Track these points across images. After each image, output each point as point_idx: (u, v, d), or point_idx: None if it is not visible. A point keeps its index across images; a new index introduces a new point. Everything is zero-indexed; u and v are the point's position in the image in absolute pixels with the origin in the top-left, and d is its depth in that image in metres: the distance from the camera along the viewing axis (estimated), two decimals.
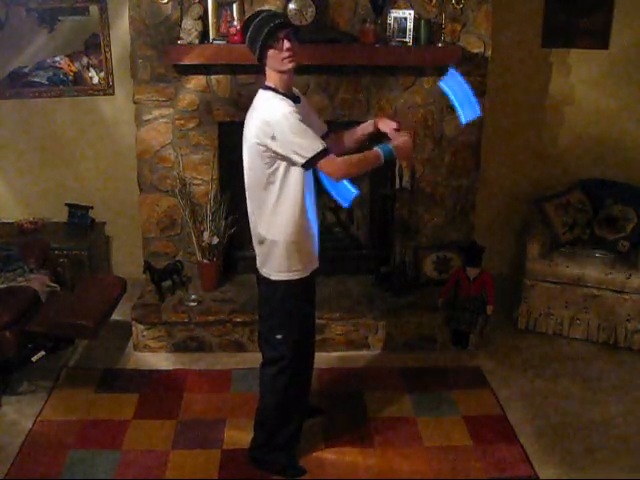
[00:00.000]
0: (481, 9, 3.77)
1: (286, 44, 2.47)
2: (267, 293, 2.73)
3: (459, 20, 3.78)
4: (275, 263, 2.63)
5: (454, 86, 2.70)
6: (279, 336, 2.69)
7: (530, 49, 4.33)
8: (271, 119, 2.44)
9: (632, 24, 4.25)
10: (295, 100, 2.59)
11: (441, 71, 3.80)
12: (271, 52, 2.48)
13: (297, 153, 2.46)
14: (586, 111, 4.44)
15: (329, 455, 2.95)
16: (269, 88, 2.56)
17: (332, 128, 2.88)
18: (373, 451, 2.99)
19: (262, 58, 2.52)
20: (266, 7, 3.63)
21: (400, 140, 2.65)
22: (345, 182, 2.62)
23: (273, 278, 2.65)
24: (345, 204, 2.71)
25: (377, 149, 2.61)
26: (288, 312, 2.68)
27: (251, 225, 2.72)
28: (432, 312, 3.82)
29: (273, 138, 2.44)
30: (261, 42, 2.45)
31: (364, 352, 3.82)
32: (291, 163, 2.50)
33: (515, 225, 4.65)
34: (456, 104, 2.69)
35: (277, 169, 2.52)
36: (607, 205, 4.18)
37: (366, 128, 2.86)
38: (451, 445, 3.04)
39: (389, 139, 2.69)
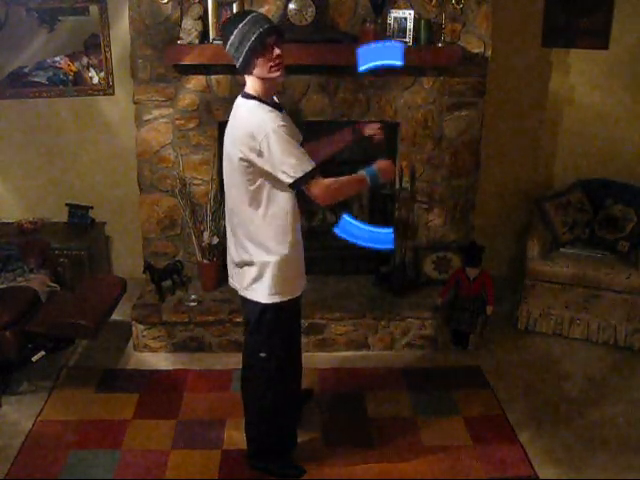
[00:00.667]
0: (481, 9, 3.77)
1: (276, 51, 2.32)
2: (252, 314, 2.60)
3: (459, 20, 3.77)
4: (266, 286, 2.50)
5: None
6: (263, 354, 2.62)
7: (530, 49, 4.33)
8: (258, 134, 2.28)
9: (632, 24, 4.25)
10: (277, 108, 2.46)
11: (441, 72, 3.84)
12: (259, 60, 2.31)
13: (285, 172, 2.32)
14: (586, 111, 4.44)
15: (329, 455, 2.95)
16: (251, 97, 2.39)
17: (307, 137, 2.75)
18: (373, 451, 2.99)
19: (247, 66, 2.33)
20: (266, 7, 3.64)
21: (382, 163, 2.56)
22: (372, 228, 2.55)
23: (263, 302, 2.54)
24: (389, 245, 2.59)
25: (362, 173, 2.51)
26: (274, 334, 2.61)
27: (230, 246, 2.60)
28: (432, 312, 3.82)
29: (260, 154, 2.30)
30: (248, 50, 2.28)
31: (364, 352, 3.82)
32: (276, 180, 2.37)
33: (515, 225, 4.65)
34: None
35: (262, 186, 2.39)
36: (607, 205, 4.18)
37: (345, 138, 2.78)
38: (451, 445, 3.04)
39: (371, 161, 2.59)
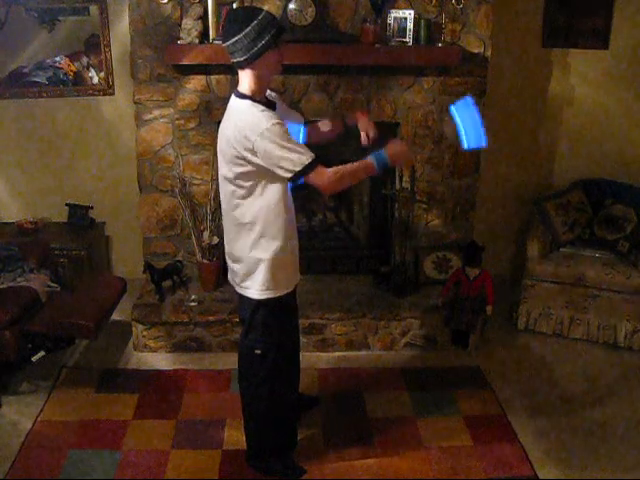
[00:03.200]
0: (481, 9, 3.77)
1: (285, 49, 2.38)
2: (249, 311, 2.62)
3: (459, 20, 3.77)
4: (259, 282, 2.52)
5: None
6: (258, 351, 2.63)
7: (530, 49, 4.33)
8: (252, 132, 2.29)
9: (632, 24, 4.25)
10: (272, 106, 2.46)
11: (441, 72, 3.84)
12: (270, 55, 2.33)
13: (282, 167, 2.33)
14: (586, 111, 4.44)
15: (329, 455, 2.95)
16: (245, 96, 2.40)
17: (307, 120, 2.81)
18: (373, 451, 2.99)
19: (254, 61, 2.32)
20: (266, 7, 3.63)
21: (393, 147, 2.50)
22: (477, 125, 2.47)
23: (256, 297, 2.56)
24: (483, 143, 2.50)
25: (370, 158, 2.47)
26: (269, 330, 2.61)
27: (226, 242, 2.61)
28: (432, 312, 3.82)
29: (254, 152, 2.31)
30: (265, 44, 2.29)
31: (364, 352, 3.82)
32: (273, 176, 2.38)
33: (515, 225, 4.66)
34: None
35: (256, 183, 2.41)
36: (607, 205, 4.19)
37: (337, 127, 2.78)
38: (451, 445, 3.04)
39: (380, 146, 2.55)
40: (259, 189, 2.43)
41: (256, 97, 2.41)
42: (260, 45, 2.30)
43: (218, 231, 3.88)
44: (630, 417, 3.27)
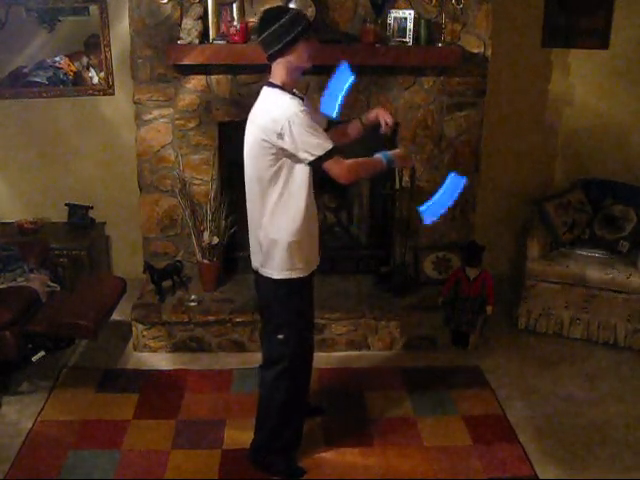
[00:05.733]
0: (481, 9, 3.77)
1: (315, 44, 2.53)
2: (269, 293, 2.71)
3: (459, 20, 3.78)
4: (277, 262, 2.61)
5: (339, 78, 2.71)
6: (281, 336, 2.68)
7: (530, 49, 4.33)
8: (281, 117, 2.42)
9: (632, 24, 4.25)
10: (300, 97, 2.59)
11: (441, 72, 3.85)
12: (302, 46, 2.46)
13: (306, 151, 2.45)
14: (586, 111, 4.44)
15: (329, 455, 2.95)
16: (276, 86, 2.53)
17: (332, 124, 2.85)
18: (373, 451, 2.99)
19: (286, 50, 2.46)
20: (266, 7, 3.63)
21: (398, 152, 2.75)
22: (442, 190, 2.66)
23: (275, 277, 2.63)
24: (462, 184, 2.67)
25: (379, 155, 2.65)
26: (290, 311, 2.67)
27: (250, 224, 2.70)
28: (432, 312, 3.82)
29: (281, 136, 2.42)
30: (295, 34, 2.42)
31: (364, 352, 3.82)
32: (297, 161, 2.49)
33: (515, 225, 4.65)
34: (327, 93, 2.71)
35: (281, 167, 2.50)
36: (607, 205, 4.19)
37: (355, 130, 2.86)
38: (451, 445, 3.04)
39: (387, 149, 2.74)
40: (283, 174, 2.52)
41: (286, 87, 2.53)
42: (293, 35, 2.43)
43: (218, 231, 3.89)
44: (630, 417, 3.27)
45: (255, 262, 2.74)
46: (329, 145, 2.48)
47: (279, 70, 2.52)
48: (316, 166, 2.50)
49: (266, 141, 2.47)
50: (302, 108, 2.47)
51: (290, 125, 2.41)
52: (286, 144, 2.44)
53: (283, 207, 2.56)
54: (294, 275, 2.63)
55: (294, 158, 2.49)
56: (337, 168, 2.51)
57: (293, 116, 2.42)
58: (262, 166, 2.53)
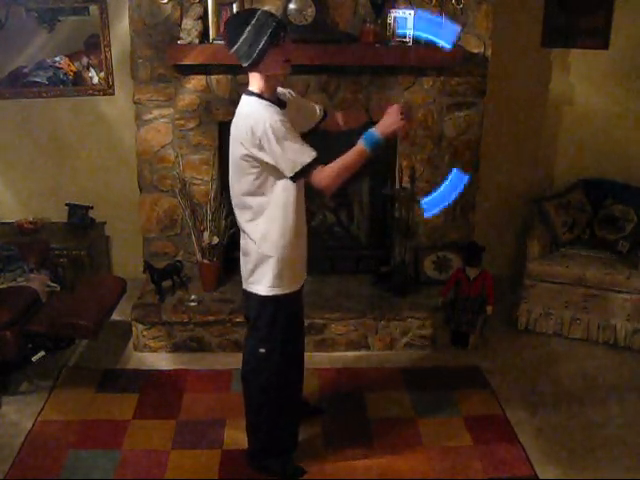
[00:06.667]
0: (481, 9, 3.77)
1: (289, 45, 2.37)
2: (254, 308, 2.63)
3: (459, 20, 3.77)
4: (266, 279, 2.53)
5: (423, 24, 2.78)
6: (262, 350, 2.63)
7: (530, 49, 4.33)
8: (257, 128, 2.32)
9: (632, 24, 4.25)
10: (281, 105, 2.47)
11: (441, 72, 3.84)
12: (272, 54, 2.32)
13: (284, 166, 2.36)
14: (586, 111, 4.44)
15: (329, 455, 2.95)
16: (253, 94, 2.42)
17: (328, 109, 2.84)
18: (373, 451, 2.99)
19: (258, 62, 2.34)
20: (266, 7, 3.63)
21: (382, 121, 2.41)
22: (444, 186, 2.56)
23: (262, 294, 2.56)
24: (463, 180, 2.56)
25: (360, 142, 2.41)
26: (274, 328, 2.60)
27: (241, 239, 2.63)
28: (432, 312, 3.82)
29: (261, 148, 2.34)
30: (265, 44, 2.29)
31: (364, 352, 3.82)
32: (279, 174, 2.40)
33: (515, 225, 4.65)
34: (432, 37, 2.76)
35: (265, 180, 2.42)
36: (607, 205, 4.19)
37: (360, 117, 2.85)
38: (451, 445, 3.04)
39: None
40: (268, 186, 2.44)
41: (264, 95, 2.42)
42: (258, 49, 2.31)
43: (218, 231, 3.89)
44: (630, 417, 3.27)
45: (243, 274, 2.65)
46: (306, 158, 2.35)
47: (254, 79, 2.43)
48: (296, 180, 2.41)
49: (247, 155, 2.38)
50: (278, 117, 2.34)
51: (267, 136, 2.30)
52: (264, 156, 2.35)
53: (270, 222, 2.47)
54: (283, 292, 2.56)
55: (277, 169, 2.38)
56: (317, 180, 2.38)
57: (268, 127, 2.30)
58: (245, 180, 2.44)
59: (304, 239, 2.63)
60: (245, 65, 2.38)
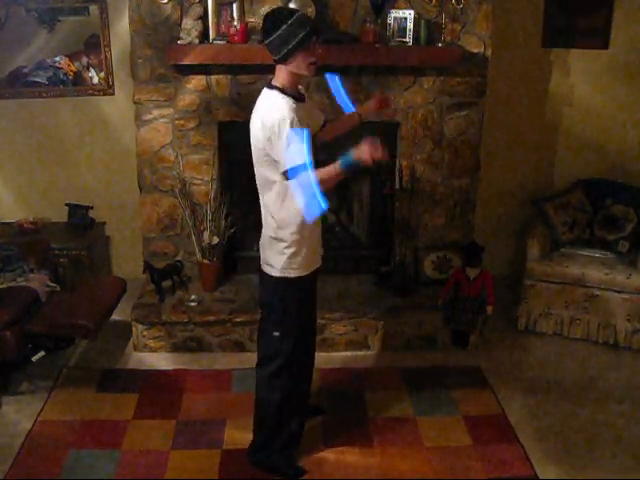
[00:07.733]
0: (481, 9, 3.77)
1: (317, 49, 2.52)
2: (268, 290, 2.74)
3: (459, 20, 3.77)
4: (277, 261, 2.63)
5: (332, 86, 2.92)
6: (276, 333, 2.70)
7: (530, 49, 4.33)
8: (267, 122, 2.45)
9: (632, 24, 4.25)
10: (299, 98, 2.59)
11: (441, 72, 3.84)
12: (301, 55, 2.46)
13: (280, 162, 2.47)
14: (586, 111, 4.44)
15: (329, 455, 2.95)
16: (275, 87, 2.54)
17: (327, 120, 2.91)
18: (373, 451, 2.99)
19: (287, 59, 2.47)
20: (266, 7, 3.64)
21: (360, 145, 2.45)
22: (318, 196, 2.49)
23: (274, 275, 2.65)
24: (309, 219, 2.55)
25: (338, 160, 2.48)
26: (287, 310, 2.68)
27: (262, 221, 2.73)
28: (432, 312, 3.82)
29: (269, 140, 2.46)
30: (295, 44, 2.43)
31: (364, 352, 3.82)
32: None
33: (515, 225, 4.65)
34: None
35: (277, 169, 2.51)
36: (607, 205, 4.19)
37: (351, 122, 2.90)
38: (451, 445, 3.04)
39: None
40: (279, 175, 2.52)
41: (286, 89, 2.53)
42: (288, 48, 2.44)
43: (218, 231, 3.89)
44: (630, 417, 3.27)
45: (261, 258, 2.76)
46: (298, 161, 2.42)
47: (279, 73, 2.55)
48: (286, 179, 2.50)
49: (261, 148, 2.51)
50: (289, 114, 2.43)
51: (275, 131, 2.42)
52: (270, 149, 2.47)
53: (283, 208, 2.57)
54: (293, 274, 2.64)
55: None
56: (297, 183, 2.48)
57: (277, 123, 2.42)
58: (261, 168, 2.57)
59: (319, 227, 2.73)
60: (274, 59, 2.52)
